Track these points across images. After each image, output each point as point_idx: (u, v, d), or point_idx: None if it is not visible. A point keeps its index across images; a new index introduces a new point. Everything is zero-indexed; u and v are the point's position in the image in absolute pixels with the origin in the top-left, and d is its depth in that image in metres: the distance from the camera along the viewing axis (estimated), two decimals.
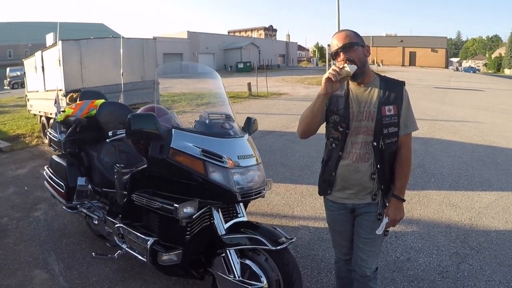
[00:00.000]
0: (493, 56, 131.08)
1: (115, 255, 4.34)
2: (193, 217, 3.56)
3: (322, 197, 3.43)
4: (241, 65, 63.41)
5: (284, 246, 3.27)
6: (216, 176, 3.49)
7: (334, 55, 3.05)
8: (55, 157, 5.74)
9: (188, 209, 3.48)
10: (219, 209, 3.66)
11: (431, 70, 73.38)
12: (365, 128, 3.03)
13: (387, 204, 3.15)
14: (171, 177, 3.72)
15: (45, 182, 5.88)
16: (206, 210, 3.66)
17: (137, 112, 4.27)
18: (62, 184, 5.29)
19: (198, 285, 4.37)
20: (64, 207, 5.36)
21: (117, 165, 4.46)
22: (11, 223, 6.32)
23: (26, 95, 16.19)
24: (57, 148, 5.87)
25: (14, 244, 5.57)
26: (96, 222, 4.90)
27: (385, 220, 3.05)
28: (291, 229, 5.92)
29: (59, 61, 11.28)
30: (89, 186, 5.26)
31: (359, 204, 3.17)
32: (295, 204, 6.96)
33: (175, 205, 3.47)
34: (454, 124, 15.12)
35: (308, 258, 5.09)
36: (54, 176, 5.57)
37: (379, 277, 4.53)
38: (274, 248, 3.22)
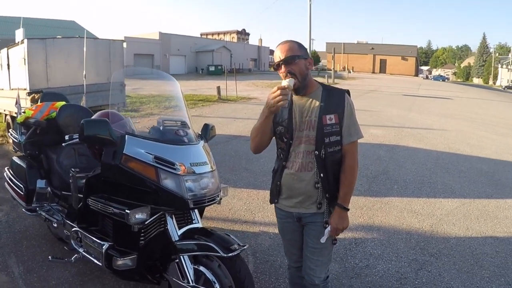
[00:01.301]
0: (462, 65, 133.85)
1: (72, 258, 4.26)
2: (146, 223, 3.53)
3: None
4: (212, 68, 63.67)
5: (236, 253, 3.26)
6: (168, 183, 3.47)
7: (276, 67, 3.04)
8: (15, 159, 5.64)
9: (139, 215, 3.45)
10: (173, 216, 3.64)
11: (401, 77, 74.54)
12: (306, 137, 3.04)
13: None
14: (124, 182, 3.70)
15: (6, 183, 5.76)
16: (161, 216, 3.64)
17: (92, 117, 4.24)
18: (22, 186, 5.20)
19: None
20: (23, 209, 5.24)
21: (72, 169, 4.41)
22: None
23: None
24: (18, 150, 5.79)
25: None
26: (55, 225, 4.79)
27: (328, 229, 3.04)
28: (252, 235, 5.92)
29: (24, 59, 11.10)
30: (49, 188, 5.16)
31: (305, 213, 3.17)
32: (256, 210, 6.94)
33: (126, 210, 3.44)
34: (420, 132, 15.36)
35: (267, 264, 5.08)
36: (14, 177, 5.47)
37: (337, 283, 4.63)
38: (225, 255, 3.22)
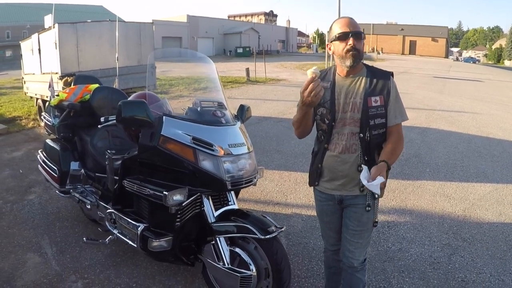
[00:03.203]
0: (493, 47, 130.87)
1: (106, 240, 4.33)
2: (183, 204, 3.55)
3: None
4: (240, 50, 63.42)
5: (273, 235, 3.27)
6: (206, 164, 3.48)
7: (340, 37, 2.93)
8: (49, 141, 5.72)
9: (177, 197, 3.47)
10: (210, 197, 3.65)
11: (431, 59, 73.34)
12: (351, 119, 3.01)
13: (376, 196, 3.07)
14: (161, 164, 3.72)
15: (39, 166, 5.86)
16: (197, 198, 3.65)
17: (129, 99, 4.26)
18: (56, 168, 5.28)
19: (189, 271, 4.38)
20: (57, 191, 5.32)
21: (108, 151, 4.47)
22: (5, 206, 6.29)
23: (22, 78, 16.09)
24: (51, 132, 5.86)
25: (8, 227, 5.55)
26: (89, 207, 4.86)
27: (366, 172, 2.87)
28: (284, 217, 5.93)
29: (56, 44, 11.20)
30: (82, 170, 5.24)
31: (347, 195, 3.14)
32: (288, 192, 6.94)
33: (164, 192, 3.46)
34: (452, 114, 15.12)
35: (299, 246, 5.09)
36: (48, 160, 5.55)
37: (370, 266, 4.58)
38: (263, 237, 3.23)
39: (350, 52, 2.90)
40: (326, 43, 3.13)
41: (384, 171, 2.80)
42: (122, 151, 4.52)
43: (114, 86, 8.80)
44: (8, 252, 4.92)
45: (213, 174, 3.47)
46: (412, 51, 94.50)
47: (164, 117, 3.64)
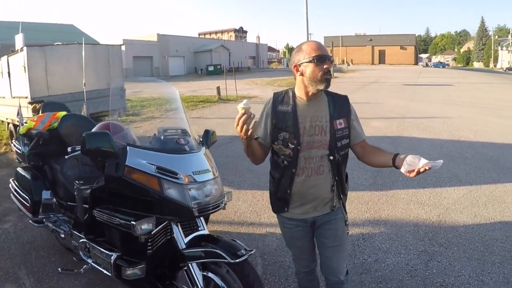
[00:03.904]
0: (461, 50, 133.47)
1: (81, 270, 4.27)
2: (152, 233, 3.54)
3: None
4: (211, 68, 63.85)
5: (243, 258, 3.25)
6: (171, 192, 3.48)
7: (319, 60, 2.93)
8: (20, 170, 5.65)
9: (145, 226, 3.46)
10: (179, 224, 3.65)
11: (401, 67, 74.51)
12: (318, 142, 3.05)
13: (345, 212, 3.25)
14: (129, 194, 3.71)
15: (11, 194, 5.78)
16: (167, 225, 3.65)
17: (93, 130, 4.27)
18: (27, 197, 5.20)
19: None
20: (30, 221, 5.28)
21: (77, 181, 4.42)
22: None
23: None
24: (22, 160, 5.81)
25: None
26: (62, 236, 4.80)
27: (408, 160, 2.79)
28: (259, 237, 5.91)
29: (24, 67, 11.14)
30: (54, 199, 5.18)
31: (319, 216, 3.20)
32: (262, 211, 6.91)
33: (132, 222, 3.45)
34: (423, 121, 15.34)
35: (275, 265, 5.07)
36: (19, 189, 5.47)
37: None
38: (233, 261, 3.21)
39: (326, 77, 2.94)
40: (293, 63, 3.10)
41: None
42: (92, 179, 4.47)
43: (82, 113, 8.72)
44: None
45: (179, 202, 3.47)
46: (382, 60, 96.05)
47: (128, 147, 3.64)
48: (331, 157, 3.04)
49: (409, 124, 14.79)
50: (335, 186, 3.11)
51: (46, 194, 5.20)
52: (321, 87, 2.96)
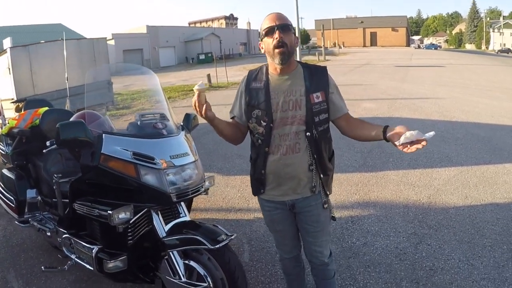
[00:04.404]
0: (453, 32, 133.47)
1: (65, 266, 4.21)
2: (131, 222, 3.48)
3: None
4: (202, 57, 63.71)
5: (223, 244, 3.19)
6: (149, 178, 3.42)
7: (267, 33, 2.83)
8: (5, 171, 5.57)
9: (122, 215, 3.40)
10: (159, 212, 3.59)
11: (393, 49, 74.46)
12: (293, 118, 2.89)
13: (328, 193, 3.08)
14: (107, 183, 3.66)
15: None
16: (147, 213, 3.59)
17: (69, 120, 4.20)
18: (12, 198, 5.16)
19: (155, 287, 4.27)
20: (16, 222, 5.21)
21: (55, 175, 4.35)
22: None
23: None
24: (6, 161, 5.74)
25: None
26: (48, 234, 4.73)
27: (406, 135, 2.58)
28: (246, 222, 5.85)
29: (9, 69, 11.07)
30: (39, 197, 5.11)
31: (298, 199, 3.03)
32: (250, 197, 6.77)
33: (108, 212, 3.39)
34: (414, 102, 15.27)
35: (262, 251, 5.01)
36: (5, 190, 5.41)
37: (334, 264, 4.43)
38: (212, 247, 3.15)
39: (277, 50, 2.78)
40: (259, 42, 3.02)
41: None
42: (76, 173, 4.38)
43: (66, 108, 8.58)
44: None
45: (157, 188, 3.41)
46: (374, 42, 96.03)
47: (103, 135, 3.56)
48: (308, 133, 2.87)
49: (401, 105, 14.73)
50: (313, 165, 2.93)
51: (30, 193, 5.13)
52: (277, 60, 2.82)
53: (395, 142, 2.61)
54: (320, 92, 2.90)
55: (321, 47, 53.02)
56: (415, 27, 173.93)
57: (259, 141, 2.99)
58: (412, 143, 2.54)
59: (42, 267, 4.51)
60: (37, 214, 5.08)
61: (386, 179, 7.25)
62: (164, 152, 3.47)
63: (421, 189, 6.68)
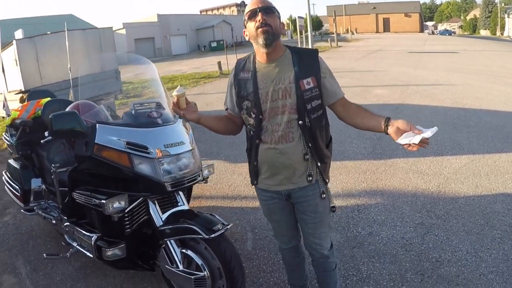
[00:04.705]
0: (468, 18, 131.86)
1: (67, 254, 4.29)
2: (126, 210, 3.51)
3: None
4: (214, 44, 63.91)
5: (218, 233, 3.18)
6: (142, 168, 3.44)
7: (250, 16, 2.71)
8: (11, 161, 5.71)
9: (116, 204, 3.44)
10: (155, 201, 3.61)
11: (406, 35, 73.65)
12: (283, 107, 2.76)
13: (327, 181, 2.96)
14: (102, 173, 3.70)
15: (5, 187, 5.85)
16: (143, 202, 3.63)
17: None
18: (18, 187, 5.29)
19: (155, 276, 4.28)
20: (22, 210, 5.33)
21: (53, 165, 4.43)
22: None
23: None
24: (12, 152, 5.89)
25: None
26: (54, 222, 4.82)
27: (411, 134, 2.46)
28: (251, 210, 5.79)
29: (16, 61, 11.22)
30: (43, 186, 5.21)
31: (294, 189, 2.92)
32: None
33: (102, 201, 3.44)
34: (426, 88, 15.01)
35: (266, 239, 4.96)
36: (11, 180, 5.56)
37: (338, 254, 4.50)
38: (207, 236, 3.14)
39: (260, 29, 2.64)
40: (243, 30, 2.87)
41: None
42: (74, 163, 4.44)
43: (70, 98, 8.68)
44: None
45: (151, 177, 3.43)
46: (386, 28, 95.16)
47: (97, 125, 3.57)
48: (300, 122, 2.73)
49: (413, 92, 14.46)
50: (308, 155, 2.80)
51: (35, 182, 5.23)
52: (260, 41, 2.65)
53: (397, 140, 2.51)
54: (311, 78, 2.74)
55: (333, 34, 52.60)
56: (429, 13, 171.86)
57: (251, 132, 2.92)
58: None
59: (44, 255, 4.58)
60: (42, 203, 5.19)
61: (395, 167, 7.11)
62: (158, 141, 3.47)
63: (430, 178, 6.53)
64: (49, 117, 3.51)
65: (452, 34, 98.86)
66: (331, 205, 3.00)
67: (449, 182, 6.31)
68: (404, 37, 61.86)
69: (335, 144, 7.60)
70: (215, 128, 3.02)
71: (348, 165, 7.32)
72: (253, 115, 2.82)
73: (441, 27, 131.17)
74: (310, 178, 2.86)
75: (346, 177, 6.73)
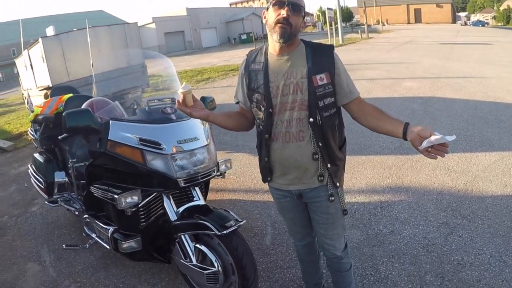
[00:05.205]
0: (501, 8, 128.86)
1: (87, 244, 4.48)
2: (141, 205, 3.59)
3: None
4: (244, 37, 64.23)
5: (230, 230, 3.20)
6: (155, 163, 3.49)
7: (275, 4, 2.55)
8: (36, 155, 5.93)
9: (129, 199, 3.50)
10: (170, 195, 3.66)
11: (438, 26, 72.29)
12: (294, 103, 2.63)
13: (338, 184, 2.81)
14: (116, 168, 3.76)
15: (31, 179, 6.08)
16: (159, 197, 3.71)
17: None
18: (42, 180, 5.51)
19: (173, 268, 4.30)
20: (46, 202, 5.55)
21: (70, 160, 4.62)
22: (10, 220, 6.51)
23: (22, 94, 17.07)
24: (37, 146, 6.19)
25: (12, 240, 5.77)
26: (76, 213, 5.03)
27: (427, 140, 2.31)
28: (272, 204, 5.60)
29: (43, 58, 11.56)
30: (66, 179, 5.42)
31: (305, 189, 2.82)
32: None
33: (115, 196, 3.50)
34: (458, 81, 14.61)
35: (285, 234, 4.90)
36: (36, 173, 5.79)
37: (357, 252, 4.44)
38: (219, 232, 3.18)
39: (279, 24, 2.50)
40: (263, 11, 2.75)
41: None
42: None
43: (93, 94, 8.87)
44: (11, 264, 5.12)
45: (163, 173, 3.48)
46: (418, 19, 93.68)
47: (111, 121, 3.65)
48: (311, 119, 2.60)
49: (443, 84, 14.07)
50: (318, 154, 2.67)
51: (59, 175, 5.46)
52: (275, 36, 2.54)
53: (418, 147, 2.35)
54: (324, 74, 2.60)
55: (364, 25, 52.00)
56: (461, 3, 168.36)
57: (260, 127, 2.81)
58: (432, 147, 2.30)
59: (64, 245, 4.79)
60: (65, 195, 5.41)
61: (422, 162, 6.90)
62: (171, 137, 3.51)
63: (457, 175, 6.33)
64: (63, 114, 3.59)
65: (485, 25, 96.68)
66: (343, 208, 2.89)
67: (477, 180, 6.07)
68: (436, 28, 60.71)
69: (361, 138, 7.43)
70: (226, 125, 2.90)
71: (373, 159, 7.19)
72: (263, 109, 2.72)
73: (474, 17, 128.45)
74: (322, 179, 2.75)
75: (371, 172, 6.61)
